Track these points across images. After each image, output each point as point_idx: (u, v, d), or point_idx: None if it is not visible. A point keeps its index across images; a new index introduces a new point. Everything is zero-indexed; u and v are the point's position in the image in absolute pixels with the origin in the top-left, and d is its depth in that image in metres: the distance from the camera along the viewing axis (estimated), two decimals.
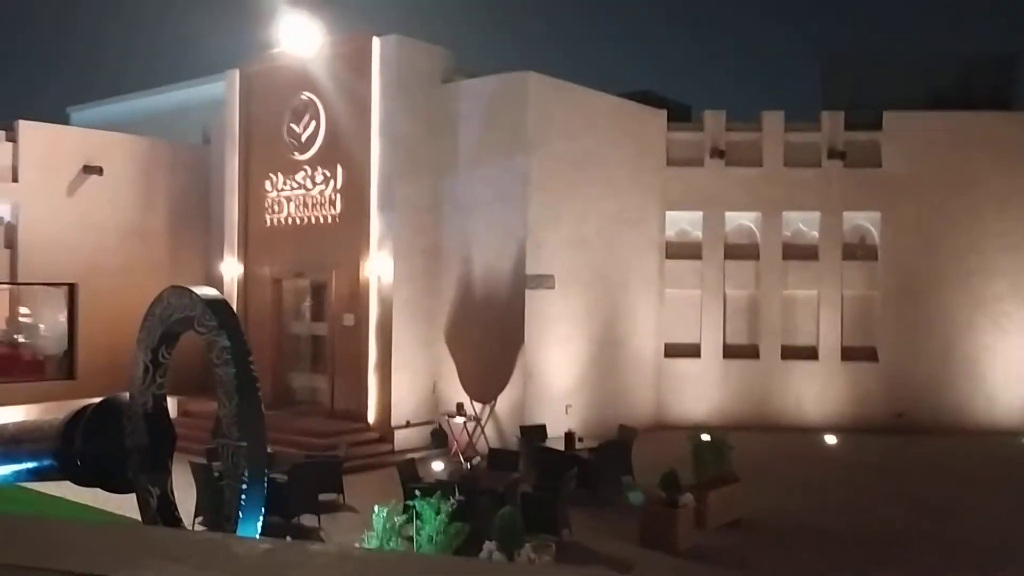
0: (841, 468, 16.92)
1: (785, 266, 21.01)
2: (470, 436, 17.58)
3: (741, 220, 21.33)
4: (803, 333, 21.08)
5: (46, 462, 10.92)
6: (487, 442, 17.46)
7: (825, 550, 11.89)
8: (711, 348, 21.03)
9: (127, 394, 10.46)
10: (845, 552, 11.81)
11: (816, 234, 21.08)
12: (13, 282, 20.24)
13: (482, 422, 17.76)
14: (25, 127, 20.27)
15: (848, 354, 20.83)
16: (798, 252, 21.09)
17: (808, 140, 20.96)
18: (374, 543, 8.30)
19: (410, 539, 9.04)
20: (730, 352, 21.07)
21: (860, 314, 21.02)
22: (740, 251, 21.22)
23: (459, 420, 17.57)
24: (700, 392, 20.88)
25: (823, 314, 20.91)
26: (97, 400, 10.96)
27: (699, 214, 21.20)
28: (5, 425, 12.51)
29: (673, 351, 21.11)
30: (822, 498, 14.61)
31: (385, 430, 17.76)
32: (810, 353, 20.95)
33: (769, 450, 17.50)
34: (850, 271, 20.97)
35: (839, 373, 20.77)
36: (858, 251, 21.13)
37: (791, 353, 20.91)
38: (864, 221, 21.16)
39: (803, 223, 21.23)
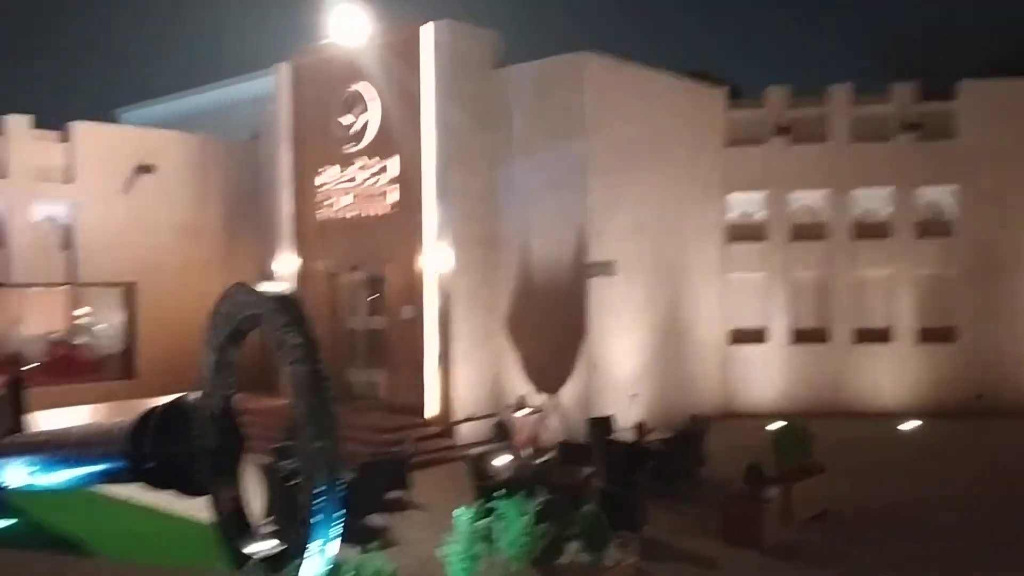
0: (924, 454, 16.20)
1: (855, 246, 20.19)
2: (534, 429, 17.15)
3: (807, 199, 20.53)
4: (875, 315, 20.25)
5: (117, 464, 10.77)
6: (552, 435, 17.03)
7: (922, 543, 11.25)
8: (778, 333, 20.33)
9: (195, 395, 10.25)
10: (945, 545, 11.16)
11: (888, 211, 20.20)
12: (72, 283, 20.29)
13: (546, 414, 17.32)
14: (78, 128, 20.28)
15: (924, 336, 19.99)
16: (869, 231, 20.25)
17: (878, 113, 20.09)
18: (458, 547, 7.90)
19: (492, 541, 8.64)
20: (798, 337, 20.35)
21: (936, 294, 20.12)
22: (806, 232, 20.44)
23: (522, 413, 17.15)
24: (768, 379, 20.21)
25: (897, 295, 20.07)
26: (165, 401, 10.77)
27: (762, 195, 20.46)
28: (73, 428, 12.43)
29: (738, 337, 20.46)
30: (909, 487, 13.92)
31: (447, 425, 17.42)
32: (883, 336, 20.13)
33: (845, 437, 16.78)
34: (925, 249, 20.09)
35: (915, 356, 19.93)
36: (933, 228, 20.23)
37: (863, 336, 20.12)
38: (939, 196, 20.24)
39: (874, 200, 20.36)
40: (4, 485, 12.64)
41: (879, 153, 20.04)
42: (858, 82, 20.44)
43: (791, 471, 12.23)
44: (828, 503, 12.33)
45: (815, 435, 12.97)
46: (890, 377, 19.95)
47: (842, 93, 20.29)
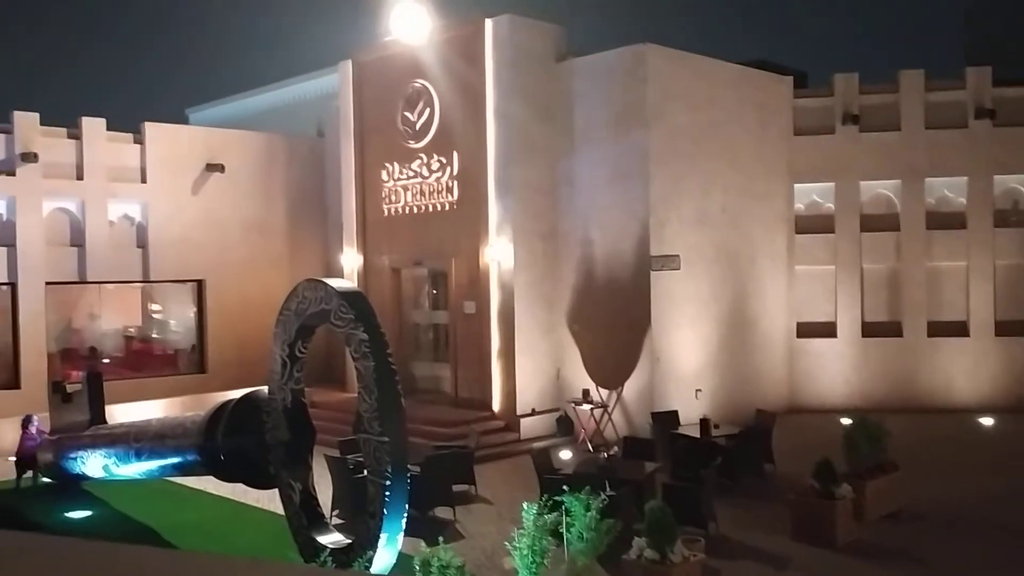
0: (1002, 452, 15.63)
1: (929, 236, 19.58)
2: (597, 423, 17.10)
3: (878, 189, 19.98)
4: (951, 307, 19.63)
5: (190, 457, 11.07)
6: (615, 429, 16.97)
7: (1000, 543, 10.88)
8: (848, 326, 19.84)
9: (266, 389, 10.46)
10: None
11: (963, 200, 19.55)
12: (145, 280, 20.88)
13: (609, 409, 17.24)
14: (150, 129, 20.80)
15: (1003, 328, 19.29)
16: (943, 221, 19.62)
17: (952, 99, 19.44)
18: (525, 541, 7.91)
19: (559, 536, 8.61)
20: (869, 330, 19.82)
21: (1015, 285, 19.41)
22: (877, 222, 19.90)
23: (585, 407, 17.10)
24: (837, 373, 19.75)
25: (973, 286, 19.41)
26: (236, 395, 11.02)
27: (831, 185, 19.98)
28: (149, 422, 12.78)
29: (806, 330, 20.03)
30: (987, 485, 13.43)
31: (510, 418, 17.46)
32: (959, 329, 19.50)
33: (920, 434, 16.35)
34: (1003, 239, 19.37)
35: (993, 349, 19.26)
36: (1011, 217, 19.51)
37: (938, 329, 19.51)
38: (1017, 184, 19.52)
39: (948, 189, 19.73)
40: (84, 475, 13.10)
41: (954, 140, 19.40)
42: (930, 68, 19.81)
43: (864, 468, 11.93)
44: (902, 501, 12.01)
45: (889, 431, 12.61)
46: (966, 372, 19.33)
47: (914, 79, 19.68)
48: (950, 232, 19.54)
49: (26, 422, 14.56)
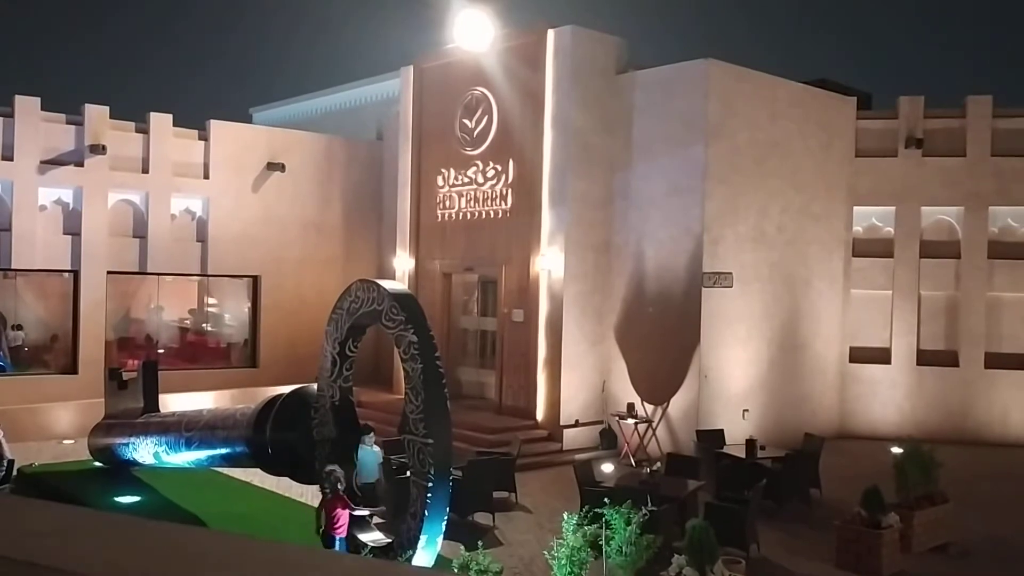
0: None
1: (991, 265, 19.09)
2: (641, 438, 17.01)
3: (939, 215, 19.57)
4: (1011, 340, 19.09)
5: (239, 449, 11.29)
6: (658, 445, 16.85)
7: None
8: (903, 353, 19.42)
9: (315, 385, 10.63)
10: None
11: None
12: (203, 274, 21.34)
13: (653, 424, 17.14)
14: (216, 127, 21.27)
15: None
16: (1006, 250, 19.12)
17: (1020, 127, 18.94)
18: (564, 552, 7.90)
19: (599, 549, 8.59)
20: (924, 358, 19.38)
21: None
22: (938, 249, 19.47)
23: (630, 421, 17.01)
24: (889, 401, 19.35)
25: None
26: (286, 390, 11.21)
27: (891, 209, 19.62)
28: (200, 412, 13.07)
29: (859, 355, 19.66)
30: None
31: (553, 428, 17.44)
32: (1019, 362, 18.95)
33: (973, 467, 15.93)
34: None
35: None
36: None
37: (996, 361, 18.99)
38: None
39: (1013, 218, 19.23)
40: (135, 461, 13.43)
41: (1020, 168, 18.91)
42: (999, 94, 19.38)
43: (913, 498, 11.69)
44: (951, 534, 11.73)
45: (940, 462, 12.32)
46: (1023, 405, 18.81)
47: (981, 105, 19.24)
48: (1013, 262, 19.03)
49: (334, 483, 9.24)
